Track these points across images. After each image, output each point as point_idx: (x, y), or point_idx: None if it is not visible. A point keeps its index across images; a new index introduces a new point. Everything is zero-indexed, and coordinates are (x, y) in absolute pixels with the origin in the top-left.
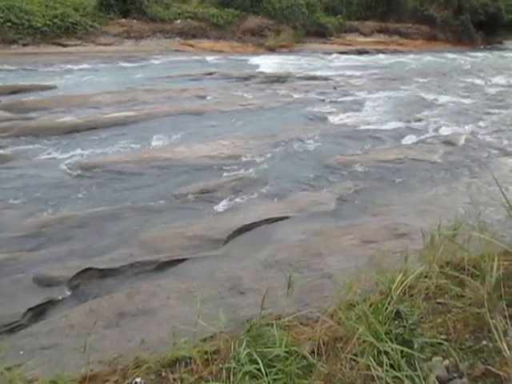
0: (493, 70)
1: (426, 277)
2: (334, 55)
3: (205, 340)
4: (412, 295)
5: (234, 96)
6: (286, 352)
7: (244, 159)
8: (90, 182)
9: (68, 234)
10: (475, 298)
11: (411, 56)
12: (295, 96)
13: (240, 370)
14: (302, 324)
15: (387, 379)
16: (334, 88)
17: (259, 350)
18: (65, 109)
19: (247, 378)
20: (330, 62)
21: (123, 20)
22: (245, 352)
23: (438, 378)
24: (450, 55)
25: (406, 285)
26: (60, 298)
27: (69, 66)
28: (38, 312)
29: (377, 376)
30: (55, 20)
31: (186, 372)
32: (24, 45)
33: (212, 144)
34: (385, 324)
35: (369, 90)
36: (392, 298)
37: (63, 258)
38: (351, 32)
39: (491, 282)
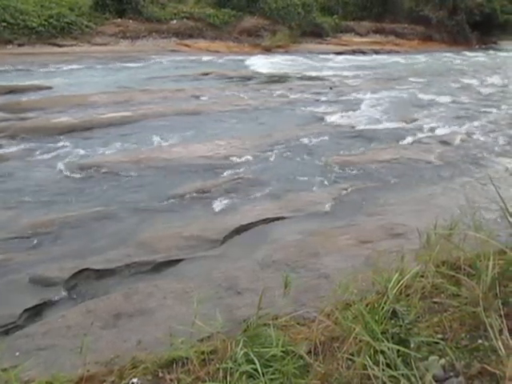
0: (488, 70)
1: (422, 276)
2: (330, 55)
3: (202, 340)
4: (408, 295)
5: (231, 96)
6: (283, 352)
7: (240, 159)
8: (86, 183)
9: (64, 235)
10: (471, 297)
11: (407, 56)
12: (291, 96)
13: (237, 370)
14: (298, 324)
15: (384, 378)
16: (330, 88)
17: (256, 350)
18: (61, 109)
19: (244, 378)
20: (326, 62)
21: (119, 20)
22: (242, 352)
23: (434, 377)
24: (446, 55)
25: (402, 284)
26: (56, 298)
27: (64, 66)
28: (35, 313)
29: (373, 375)
30: (51, 20)
31: (183, 372)
32: (19, 45)
33: (209, 144)
34: (381, 323)
35: (365, 90)
36: (388, 297)
37: (59, 258)
38: (347, 32)
39: (487, 281)
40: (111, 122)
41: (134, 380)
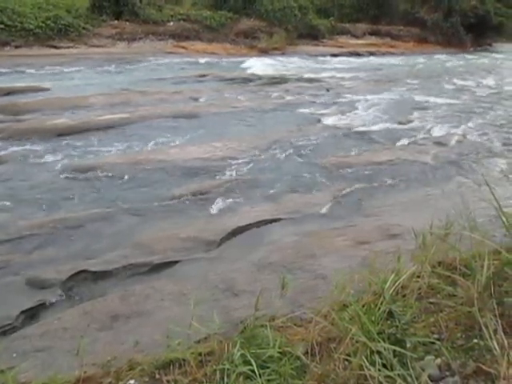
0: (482, 71)
1: (418, 277)
2: (327, 57)
3: (199, 342)
4: (404, 295)
5: (227, 98)
6: (280, 353)
7: (237, 161)
8: (83, 184)
9: (61, 236)
10: (466, 297)
11: (403, 58)
12: (288, 98)
13: (234, 372)
14: (295, 325)
15: (380, 379)
16: (327, 90)
17: (253, 351)
18: (58, 111)
19: (241, 379)
20: (322, 64)
21: (116, 22)
22: (239, 353)
23: (430, 376)
24: (441, 57)
25: (398, 285)
26: (53, 300)
27: (62, 68)
28: (32, 314)
29: (370, 376)
30: (48, 22)
31: (179, 374)
32: (16, 47)
33: (205, 146)
34: (377, 324)
35: (361, 91)
36: (385, 298)
37: (56, 260)
38: (343, 34)
39: (482, 281)
40: (108, 123)
41: (131, 382)
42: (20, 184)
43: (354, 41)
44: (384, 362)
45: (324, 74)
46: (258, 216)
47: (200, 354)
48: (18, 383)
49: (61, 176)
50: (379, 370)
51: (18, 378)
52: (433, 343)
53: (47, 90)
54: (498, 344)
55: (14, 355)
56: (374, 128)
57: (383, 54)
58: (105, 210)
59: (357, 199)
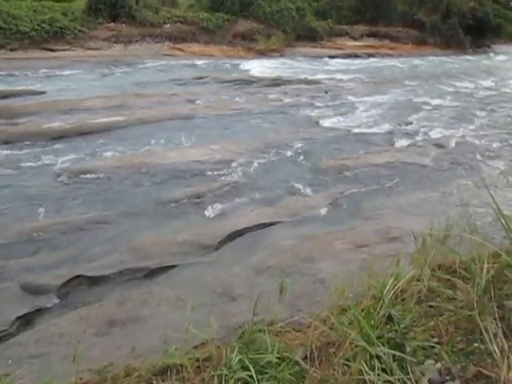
0: (481, 73)
1: (417, 280)
2: (325, 59)
3: (196, 347)
4: (404, 299)
5: (225, 100)
6: (278, 358)
7: (235, 164)
8: (79, 188)
9: (57, 241)
10: (466, 301)
11: (401, 59)
12: (286, 100)
13: (232, 377)
14: (294, 329)
15: (379, 383)
16: (326, 92)
17: (251, 356)
18: (54, 114)
19: None
20: (320, 66)
21: (112, 24)
22: (237, 359)
23: (430, 381)
24: (440, 59)
25: (397, 288)
26: (49, 306)
27: (57, 71)
28: (27, 320)
29: (369, 380)
30: (43, 25)
31: (177, 380)
32: (12, 50)
33: (202, 148)
34: (377, 328)
35: (360, 93)
36: (384, 302)
37: (52, 265)
38: (341, 36)
39: (481, 284)
40: (105, 126)
41: None
42: (14, 187)
43: (352, 43)
44: (383, 366)
45: (322, 76)
46: (256, 219)
47: (197, 360)
48: None
49: (56, 180)
50: (379, 374)
51: None
52: (433, 347)
53: (43, 93)
54: (498, 348)
55: (10, 362)
56: (373, 130)
57: (382, 56)
58: (101, 214)
59: (355, 202)
